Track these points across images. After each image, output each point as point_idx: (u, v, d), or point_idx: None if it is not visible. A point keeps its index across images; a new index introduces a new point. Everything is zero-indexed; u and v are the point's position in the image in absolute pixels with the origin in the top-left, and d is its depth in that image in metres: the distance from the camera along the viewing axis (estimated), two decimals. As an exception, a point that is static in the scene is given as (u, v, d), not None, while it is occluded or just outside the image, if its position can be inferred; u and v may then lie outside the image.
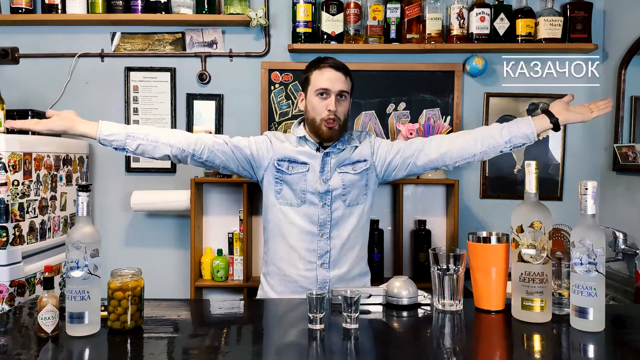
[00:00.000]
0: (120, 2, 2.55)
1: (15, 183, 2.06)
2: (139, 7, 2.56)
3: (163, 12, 2.56)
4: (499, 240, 1.40)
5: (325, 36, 2.52)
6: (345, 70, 1.76)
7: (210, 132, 2.63)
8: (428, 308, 1.43)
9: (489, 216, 2.69)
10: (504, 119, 2.66)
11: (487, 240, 1.41)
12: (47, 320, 1.17)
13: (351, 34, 2.52)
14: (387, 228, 2.65)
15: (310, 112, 1.77)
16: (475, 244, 1.41)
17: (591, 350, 1.17)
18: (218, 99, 2.67)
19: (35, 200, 2.18)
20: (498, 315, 1.37)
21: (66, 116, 1.68)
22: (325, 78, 1.73)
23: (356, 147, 1.83)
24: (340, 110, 1.75)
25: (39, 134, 2.31)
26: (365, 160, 1.82)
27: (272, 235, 1.83)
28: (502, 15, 2.53)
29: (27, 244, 2.13)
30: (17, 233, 2.07)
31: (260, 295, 1.89)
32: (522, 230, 1.31)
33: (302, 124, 1.86)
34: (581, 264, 1.22)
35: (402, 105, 2.66)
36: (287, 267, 1.79)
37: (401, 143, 1.85)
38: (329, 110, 1.71)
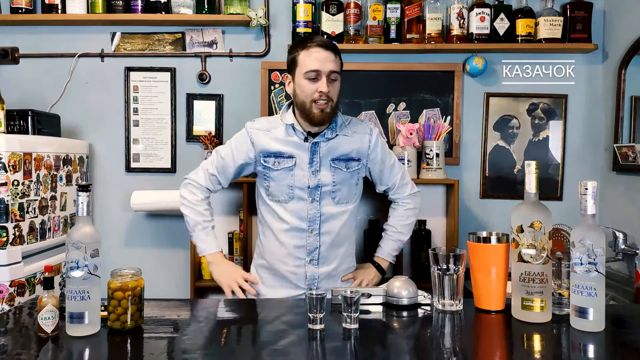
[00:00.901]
0: (120, 2, 2.56)
1: (15, 183, 2.06)
2: (139, 7, 2.56)
3: (163, 12, 2.56)
4: (499, 240, 1.40)
5: (325, 36, 2.52)
6: (334, 49, 1.68)
7: (210, 133, 2.63)
8: (428, 308, 1.43)
9: (489, 216, 2.69)
10: (504, 119, 2.66)
11: (487, 240, 1.41)
12: (47, 320, 1.17)
13: (351, 34, 2.52)
14: (387, 228, 2.65)
15: (299, 96, 1.68)
16: (475, 244, 1.41)
17: (591, 350, 1.17)
18: (218, 99, 2.67)
19: (35, 200, 2.18)
20: (498, 315, 1.37)
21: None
22: (314, 58, 1.64)
23: (347, 136, 1.77)
24: (333, 91, 1.67)
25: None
26: (358, 160, 1.79)
27: (263, 229, 1.83)
28: (502, 15, 2.53)
29: (27, 244, 2.13)
30: (17, 233, 2.07)
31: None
32: (522, 230, 1.31)
33: (291, 108, 1.78)
34: (581, 264, 1.22)
35: (402, 105, 2.66)
36: (277, 262, 1.79)
37: (392, 167, 1.87)
38: (321, 92, 1.63)
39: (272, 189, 1.77)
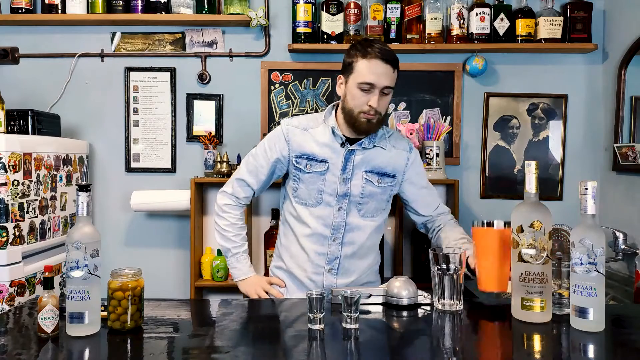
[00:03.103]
0: (120, 2, 2.56)
1: (15, 183, 2.06)
2: (139, 7, 2.56)
3: (163, 12, 2.56)
4: (504, 225, 1.43)
5: (325, 36, 2.52)
6: (394, 62, 1.61)
7: (210, 133, 2.63)
8: (428, 308, 1.43)
9: (489, 216, 2.66)
10: (504, 119, 2.66)
11: (490, 224, 1.45)
12: (47, 320, 1.16)
13: (351, 34, 2.52)
14: (387, 228, 2.65)
15: (349, 102, 1.63)
16: (480, 228, 1.45)
17: (591, 350, 1.17)
18: (218, 99, 2.67)
19: (35, 200, 2.18)
20: (498, 315, 1.37)
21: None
22: (372, 72, 1.58)
23: (384, 150, 1.71)
24: (382, 105, 1.62)
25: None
26: (393, 177, 1.73)
27: (286, 232, 1.80)
28: (502, 15, 2.53)
29: (27, 244, 2.13)
30: (17, 233, 2.07)
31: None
32: (522, 230, 1.31)
33: (335, 110, 1.73)
34: (581, 264, 1.22)
35: (402, 105, 2.66)
36: (295, 267, 1.76)
37: (432, 189, 1.83)
38: (370, 106, 1.59)
39: (300, 192, 1.72)
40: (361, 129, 1.64)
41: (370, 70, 1.58)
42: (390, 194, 1.76)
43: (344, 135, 1.69)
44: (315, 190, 1.70)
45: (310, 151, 1.70)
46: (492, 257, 1.40)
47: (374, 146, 1.71)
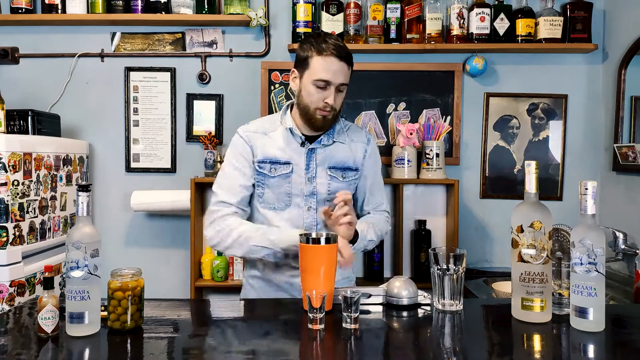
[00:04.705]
0: (120, 2, 2.56)
1: (15, 183, 2.06)
2: (139, 7, 2.56)
3: (163, 12, 2.56)
4: (327, 241, 1.38)
5: (325, 36, 2.52)
6: (348, 59, 1.59)
7: (210, 133, 2.63)
8: (428, 308, 1.43)
9: (489, 216, 2.69)
10: (504, 119, 2.66)
11: (317, 241, 1.38)
12: (47, 320, 1.16)
13: (351, 34, 2.52)
14: (387, 228, 2.65)
15: (304, 98, 1.61)
16: (304, 245, 1.38)
17: (591, 350, 1.17)
18: (218, 99, 2.67)
19: (35, 200, 2.18)
20: (498, 315, 1.37)
21: None
22: (327, 69, 1.56)
23: (344, 144, 1.70)
24: (338, 101, 1.62)
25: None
26: (356, 170, 1.72)
27: None
28: (502, 15, 2.53)
29: (27, 244, 2.13)
30: (17, 233, 2.07)
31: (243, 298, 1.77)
32: (522, 230, 1.30)
33: (290, 109, 1.71)
34: (581, 264, 1.22)
35: (402, 105, 2.66)
36: (270, 272, 1.70)
37: (382, 187, 1.79)
38: (327, 102, 1.58)
39: (267, 197, 1.67)
40: (317, 125, 1.63)
41: (325, 67, 1.56)
42: (356, 187, 1.74)
43: (302, 135, 1.68)
44: (283, 194, 1.66)
45: (273, 155, 1.67)
46: (316, 273, 1.36)
47: (333, 142, 1.70)
